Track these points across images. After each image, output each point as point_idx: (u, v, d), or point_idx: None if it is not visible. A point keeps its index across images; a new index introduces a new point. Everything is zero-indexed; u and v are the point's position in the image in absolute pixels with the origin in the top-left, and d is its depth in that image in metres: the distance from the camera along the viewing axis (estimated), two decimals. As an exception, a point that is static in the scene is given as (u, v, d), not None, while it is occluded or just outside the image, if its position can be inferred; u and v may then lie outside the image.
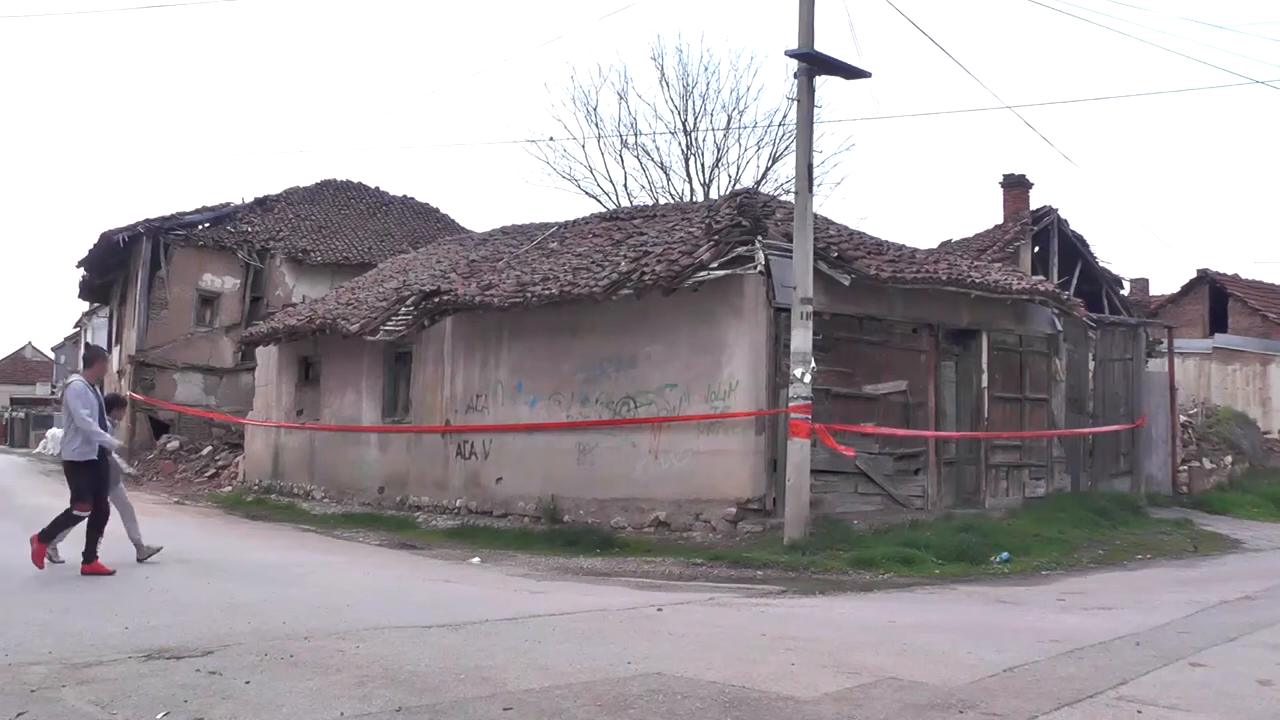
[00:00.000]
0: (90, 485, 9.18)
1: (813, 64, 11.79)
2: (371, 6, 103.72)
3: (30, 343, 69.69)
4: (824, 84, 15.25)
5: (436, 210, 32.31)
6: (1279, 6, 69.80)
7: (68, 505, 9.16)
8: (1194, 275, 30.43)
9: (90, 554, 9.04)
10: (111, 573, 8.92)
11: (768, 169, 28.79)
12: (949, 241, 22.40)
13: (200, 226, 27.47)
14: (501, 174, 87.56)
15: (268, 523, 15.73)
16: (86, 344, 9.64)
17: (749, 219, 12.34)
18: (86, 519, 9.15)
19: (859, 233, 15.77)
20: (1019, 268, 19.25)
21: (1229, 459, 20.89)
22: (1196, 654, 6.31)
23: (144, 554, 9.88)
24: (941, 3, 24.61)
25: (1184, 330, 25.87)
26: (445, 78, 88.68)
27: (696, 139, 29.09)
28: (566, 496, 13.34)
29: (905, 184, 73.14)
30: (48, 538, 9.19)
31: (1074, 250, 22.53)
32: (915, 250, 15.40)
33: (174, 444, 25.20)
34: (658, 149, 35.19)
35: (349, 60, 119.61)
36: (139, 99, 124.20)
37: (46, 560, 9.20)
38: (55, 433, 38.96)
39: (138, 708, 4.46)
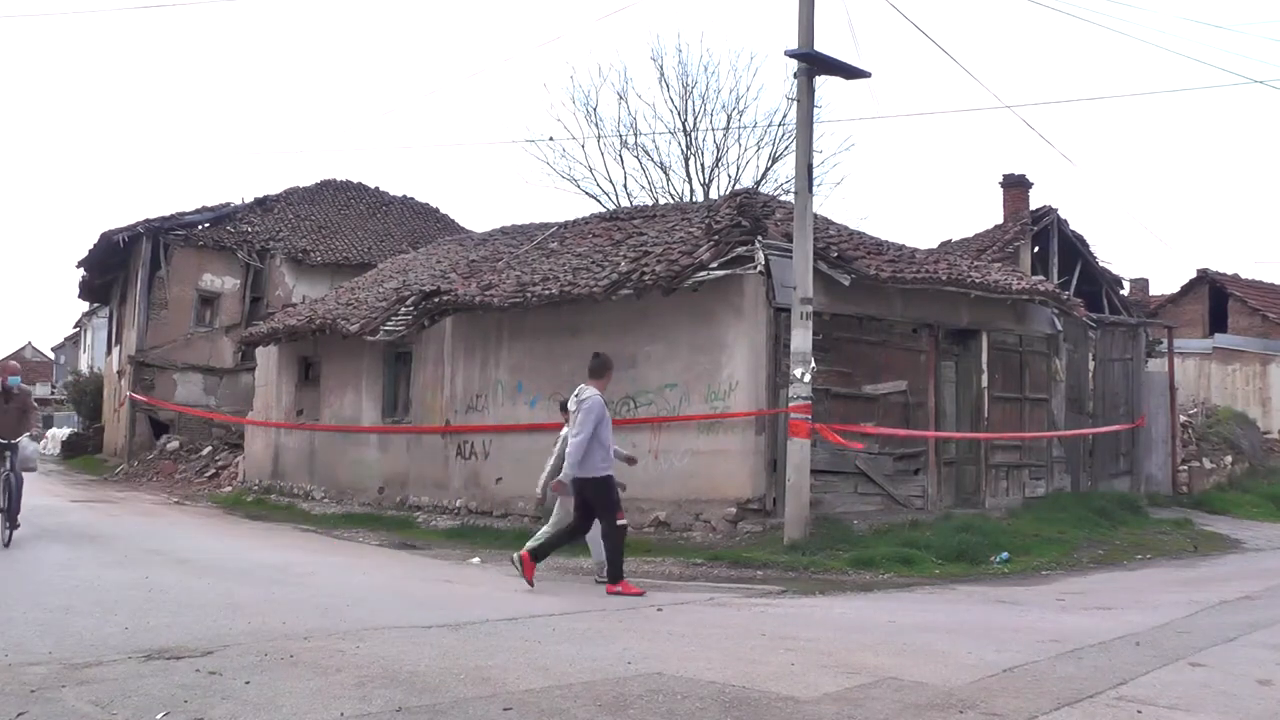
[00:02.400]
0: (616, 497, 8.85)
1: (812, 64, 11.79)
2: (371, 6, 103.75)
3: (30, 343, 69.76)
4: (824, 84, 15.26)
5: (436, 210, 32.31)
6: (1279, 6, 69.83)
7: (608, 527, 8.76)
8: (1194, 275, 30.44)
9: (618, 574, 8.69)
10: (642, 593, 8.54)
11: (768, 169, 28.80)
12: (949, 241, 22.41)
13: (200, 226, 27.46)
14: (501, 174, 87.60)
15: (268, 523, 15.73)
16: (596, 353, 9.51)
17: (749, 219, 12.34)
18: (565, 530, 9.00)
19: (859, 233, 15.77)
20: (1019, 268, 19.25)
21: (1229, 459, 20.90)
22: (1196, 654, 6.31)
23: None
24: (941, 3, 24.62)
25: (1184, 330, 25.87)
26: (445, 78, 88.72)
27: (696, 139, 29.10)
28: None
29: (905, 184, 73.18)
30: (616, 573, 8.69)
31: (1074, 250, 22.54)
32: (915, 250, 15.40)
33: (174, 444, 25.19)
34: (657, 149, 35.26)
35: (349, 60, 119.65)
36: (139, 99, 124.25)
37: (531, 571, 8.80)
38: (56, 432, 38.97)
39: (138, 708, 4.46)
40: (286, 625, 6.52)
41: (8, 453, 11.00)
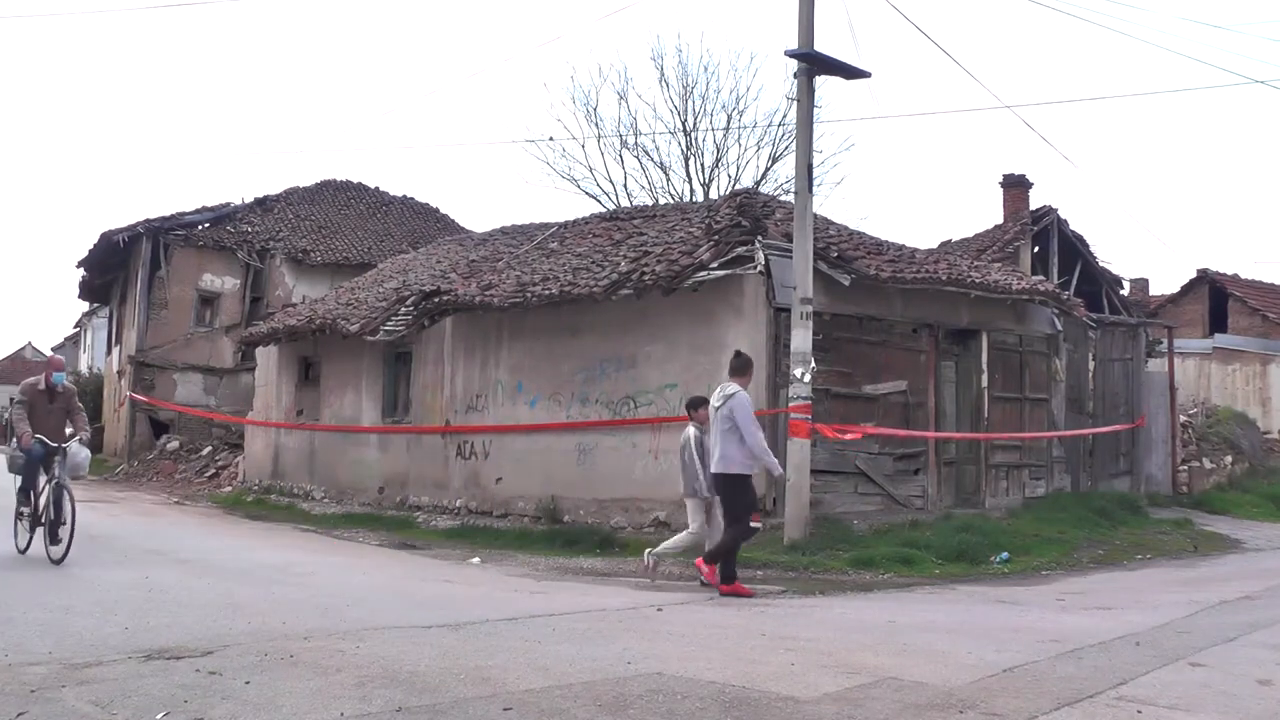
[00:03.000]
0: (753, 499, 8.94)
1: (812, 64, 11.79)
2: (371, 6, 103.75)
3: (30, 343, 69.63)
4: (824, 84, 15.26)
5: (436, 210, 32.31)
6: (1279, 6, 69.83)
7: (735, 525, 8.78)
8: (1194, 275, 30.45)
9: (731, 574, 8.80)
10: (751, 594, 8.71)
11: (768, 169, 28.80)
12: (949, 241, 22.41)
13: (200, 226, 27.46)
14: (501, 174, 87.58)
15: (268, 523, 15.73)
16: (738, 351, 9.64)
17: (749, 219, 12.34)
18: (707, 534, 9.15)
19: (859, 233, 15.77)
20: (1019, 268, 19.26)
21: (1229, 459, 20.89)
22: (1196, 654, 6.31)
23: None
24: (941, 3, 24.62)
25: (1184, 330, 25.88)
26: (445, 78, 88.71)
27: (696, 139, 29.10)
28: (566, 497, 13.34)
29: (905, 184, 73.18)
30: (715, 559, 8.87)
31: (1074, 250, 22.54)
32: (915, 250, 15.40)
33: (174, 444, 25.19)
34: (658, 149, 35.27)
35: (349, 60, 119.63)
36: (139, 99, 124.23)
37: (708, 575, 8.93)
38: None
39: (138, 708, 4.46)
40: (286, 625, 6.52)
41: (56, 458, 9.63)
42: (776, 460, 9.30)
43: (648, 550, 9.62)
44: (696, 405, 9.60)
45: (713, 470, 8.92)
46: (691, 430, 9.51)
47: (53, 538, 9.38)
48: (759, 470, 9.15)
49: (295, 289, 27.06)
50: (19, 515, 10.04)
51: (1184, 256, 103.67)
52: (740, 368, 9.20)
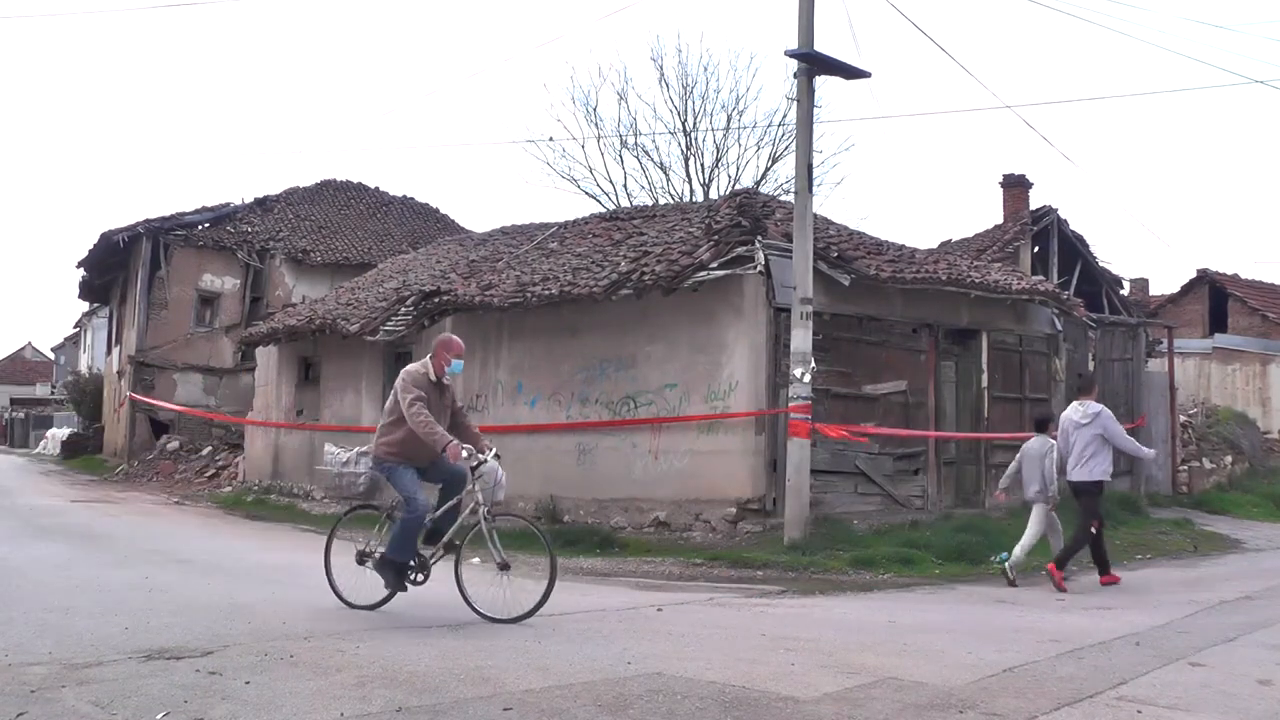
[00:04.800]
0: (1100, 504, 10.07)
1: (812, 64, 11.79)
2: (371, 6, 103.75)
3: (30, 343, 69.75)
4: (824, 84, 15.24)
5: (436, 210, 32.31)
6: (1279, 6, 69.82)
7: (1084, 528, 9.87)
8: (1194, 275, 30.46)
9: (1106, 565, 10.04)
10: (1117, 580, 9.84)
11: (768, 169, 28.79)
12: (949, 241, 22.41)
13: (200, 226, 27.46)
14: (501, 174, 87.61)
15: (268, 523, 15.71)
16: (1080, 373, 12.19)
17: (749, 219, 12.34)
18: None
19: (859, 233, 15.77)
20: (1019, 268, 19.25)
21: (1229, 459, 20.89)
22: (1196, 654, 6.32)
23: None
24: (941, 3, 24.61)
25: (1184, 330, 25.88)
26: (445, 78, 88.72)
27: (696, 139, 29.08)
28: (566, 497, 13.34)
29: (905, 184, 73.21)
30: (1064, 561, 9.87)
31: (1074, 250, 22.53)
32: (915, 250, 15.40)
33: (174, 444, 25.18)
34: (657, 149, 35.18)
35: (349, 60, 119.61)
36: (139, 99, 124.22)
37: (1065, 581, 9.79)
38: (55, 433, 38.97)
39: (138, 708, 4.46)
40: (286, 625, 6.52)
41: (474, 477, 7.19)
42: (1087, 475, 10.00)
43: (1008, 566, 10.21)
44: (1050, 420, 11.14)
45: (1075, 478, 9.95)
46: (1045, 442, 10.58)
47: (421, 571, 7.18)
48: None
49: (295, 289, 27.06)
50: (386, 560, 7.14)
51: (1184, 256, 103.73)
52: (1087, 385, 10.73)
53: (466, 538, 7.26)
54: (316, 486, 17.93)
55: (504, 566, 7.05)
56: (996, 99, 79.86)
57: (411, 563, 7.12)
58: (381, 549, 7.18)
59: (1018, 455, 10.81)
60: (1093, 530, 9.85)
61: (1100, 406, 10.11)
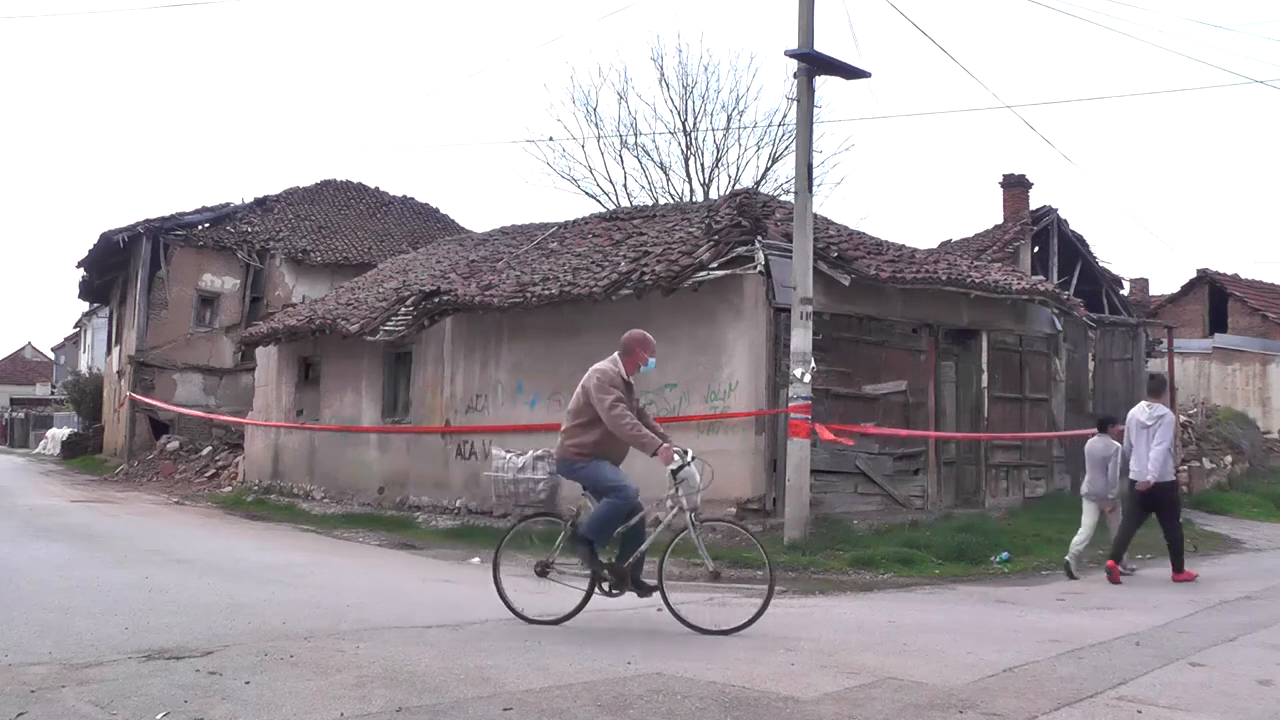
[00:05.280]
0: (1179, 498, 10.86)
1: (812, 64, 11.79)
2: (371, 6, 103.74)
3: (30, 343, 69.75)
4: (824, 84, 15.25)
5: (436, 210, 32.32)
6: (1279, 6, 69.82)
7: (1170, 523, 10.39)
8: (1194, 275, 30.47)
9: (1181, 564, 10.38)
10: (1194, 578, 10.18)
11: (768, 169, 28.78)
12: (949, 241, 22.42)
13: (200, 226, 27.48)
14: (501, 174, 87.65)
15: (268, 523, 15.72)
16: (1152, 374, 12.65)
17: (749, 219, 12.34)
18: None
19: (859, 233, 15.78)
20: (1019, 268, 19.26)
21: (1229, 459, 20.88)
22: (1196, 654, 6.32)
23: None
24: (941, 3, 24.61)
25: (1184, 330, 25.88)
26: (444, 78, 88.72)
27: (696, 139, 29.07)
28: (566, 497, 13.31)
29: (905, 184, 73.22)
30: (1180, 563, 10.33)
31: (1074, 250, 22.55)
32: (915, 250, 15.41)
33: (174, 444, 25.19)
34: (657, 149, 35.23)
35: (348, 60, 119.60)
36: (139, 98, 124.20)
37: (1121, 575, 10.33)
38: (55, 433, 38.97)
39: (138, 708, 4.46)
40: (286, 625, 6.52)
41: (674, 478, 6.83)
42: (1159, 477, 10.30)
43: (1070, 561, 10.66)
44: (1113, 420, 11.33)
45: (1149, 478, 10.23)
46: (1109, 443, 10.94)
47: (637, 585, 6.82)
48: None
49: (295, 289, 27.06)
50: (550, 565, 7.03)
51: (1184, 256, 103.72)
52: (1158, 388, 11.00)
53: (672, 544, 7.03)
54: (317, 486, 17.94)
55: (715, 576, 6.92)
56: (996, 99, 79.91)
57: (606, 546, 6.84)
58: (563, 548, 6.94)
59: (1086, 455, 11.28)
60: (1177, 525, 10.40)
61: (1165, 409, 10.44)
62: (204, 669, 5.17)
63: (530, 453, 7.80)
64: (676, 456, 6.72)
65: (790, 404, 11.30)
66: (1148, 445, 10.19)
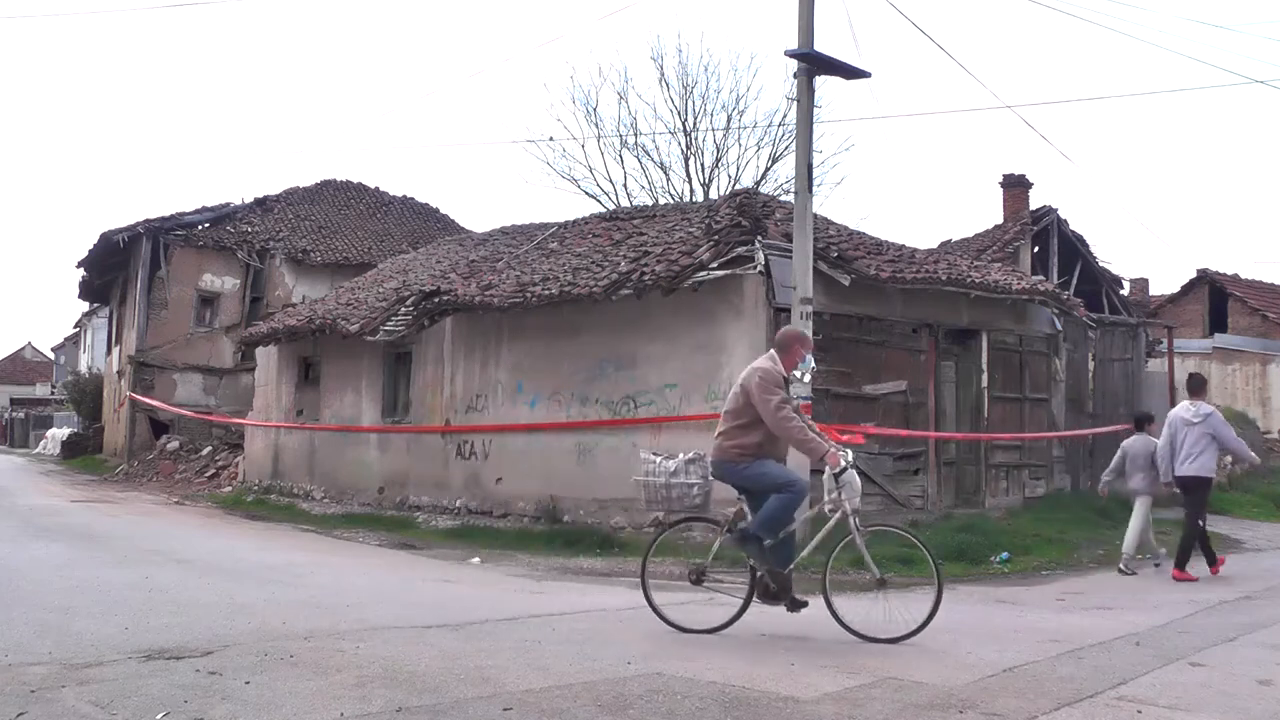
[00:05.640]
0: (1207, 499, 10.72)
1: (812, 64, 11.78)
2: (371, 6, 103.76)
3: (30, 343, 69.75)
4: (824, 84, 15.23)
5: (436, 210, 32.32)
6: (1279, 6, 69.83)
7: (1192, 524, 10.42)
8: (1194, 275, 30.47)
9: (1184, 562, 10.39)
10: (1195, 579, 10.15)
11: (768, 169, 28.79)
12: (949, 241, 22.41)
13: (200, 226, 27.47)
14: (501, 174, 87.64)
15: (268, 523, 15.72)
16: (1192, 374, 12.13)
17: (749, 219, 12.34)
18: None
19: (859, 233, 15.77)
20: (1019, 268, 19.26)
21: (1229, 459, 20.85)
22: (1196, 654, 6.32)
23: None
24: (941, 3, 24.60)
25: (1184, 330, 25.89)
26: (444, 78, 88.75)
27: (696, 139, 29.07)
28: (566, 496, 13.34)
29: (905, 184, 73.22)
30: (1183, 562, 10.38)
31: (1074, 250, 22.54)
32: (915, 250, 15.40)
33: (174, 444, 25.19)
34: (658, 149, 35.25)
35: (348, 60, 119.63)
36: (139, 98, 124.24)
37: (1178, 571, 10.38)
38: (55, 433, 38.96)
39: (138, 708, 4.46)
40: (286, 625, 6.52)
41: (837, 481, 6.74)
42: (1200, 471, 10.42)
43: (1123, 562, 10.93)
44: (1151, 418, 11.80)
45: (1183, 473, 10.40)
46: (1148, 441, 11.22)
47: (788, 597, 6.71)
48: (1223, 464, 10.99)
49: (295, 289, 27.06)
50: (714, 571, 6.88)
51: (1184, 256, 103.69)
52: (1199, 387, 11.00)
53: (834, 551, 6.92)
54: (317, 486, 17.94)
55: (882, 583, 6.75)
56: (996, 99, 79.91)
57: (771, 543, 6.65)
58: (732, 542, 6.80)
59: (1119, 452, 11.55)
60: (1200, 523, 10.38)
61: (1211, 408, 10.58)
62: (204, 669, 5.17)
63: (681, 455, 7.63)
64: (842, 460, 6.58)
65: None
66: (1194, 441, 10.32)
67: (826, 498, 6.75)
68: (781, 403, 6.55)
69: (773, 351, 6.90)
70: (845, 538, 6.79)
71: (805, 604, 6.69)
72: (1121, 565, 10.88)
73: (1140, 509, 11.14)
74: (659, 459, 7.62)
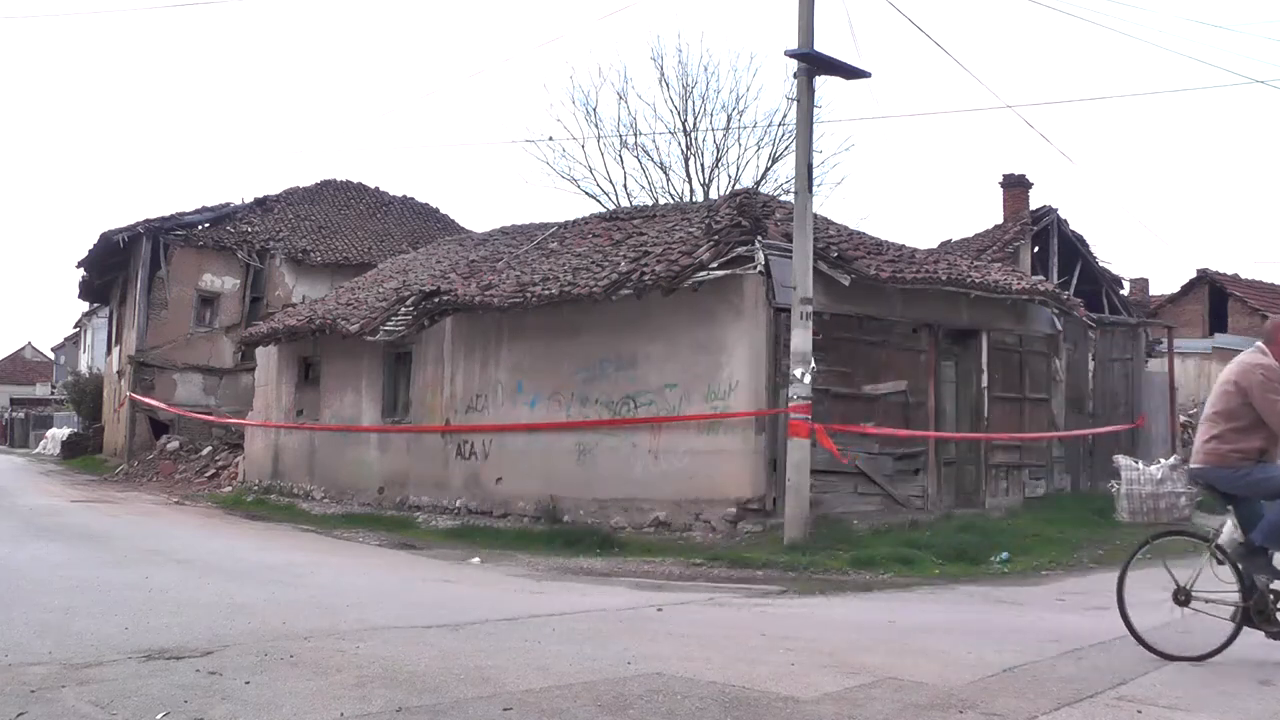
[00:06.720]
0: None
1: (812, 64, 11.79)
2: (372, 6, 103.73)
3: (30, 343, 69.72)
4: (824, 84, 15.24)
5: (436, 210, 32.32)
6: (1279, 6, 69.84)
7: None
8: (1194, 275, 30.49)
9: None
10: None
11: (768, 169, 28.78)
12: (949, 241, 22.40)
13: (200, 226, 27.47)
14: (501, 174, 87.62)
15: (268, 523, 15.73)
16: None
17: (749, 219, 12.34)
18: None
19: (859, 233, 15.78)
20: (1019, 268, 19.25)
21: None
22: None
23: None
24: (941, 3, 24.60)
25: (1184, 330, 25.88)
26: (444, 78, 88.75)
27: (696, 139, 29.07)
28: (566, 496, 13.34)
29: (905, 184, 73.17)
30: None
31: (1074, 250, 22.53)
32: (915, 250, 15.41)
33: (174, 444, 25.19)
34: (657, 149, 35.21)
35: (348, 60, 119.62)
36: (139, 98, 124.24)
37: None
38: (55, 433, 38.96)
39: (138, 708, 4.46)
40: (286, 625, 6.52)
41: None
42: None
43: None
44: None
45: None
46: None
47: None
48: None
49: (295, 289, 27.06)
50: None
51: (1184, 256, 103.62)
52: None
53: None
54: (317, 486, 17.94)
55: None
56: (996, 99, 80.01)
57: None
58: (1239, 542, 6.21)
59: None
60: None
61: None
62: (204, 669, 5.17)
63: (1162, 461, 7.21)
64: None
65: (790, 404, 11.31)
66: None
67: None
68: None
69: (1260, 343, 6.22)
70: None
71: None
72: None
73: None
74: (1139, 465, 7.14)
